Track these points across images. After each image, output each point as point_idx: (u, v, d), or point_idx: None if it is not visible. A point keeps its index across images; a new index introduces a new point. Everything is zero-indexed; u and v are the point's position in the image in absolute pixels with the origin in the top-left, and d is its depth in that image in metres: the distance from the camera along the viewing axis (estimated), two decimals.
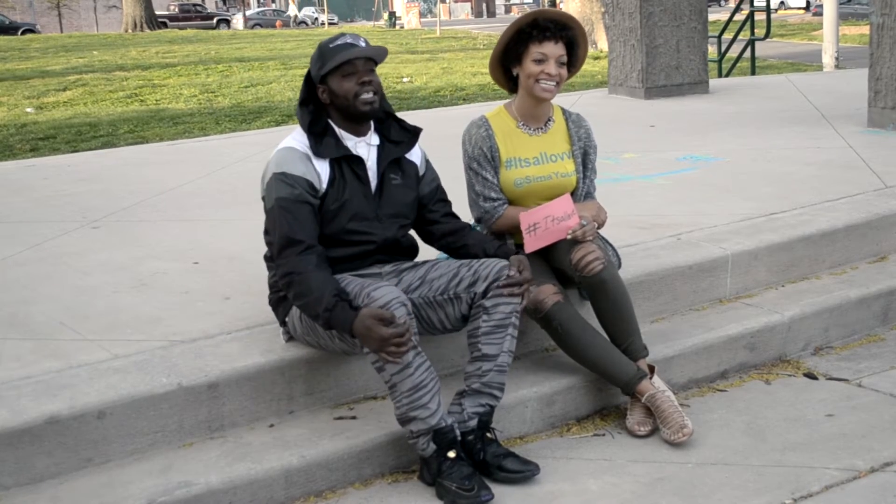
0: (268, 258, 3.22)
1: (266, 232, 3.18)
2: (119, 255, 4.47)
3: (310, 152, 3.07)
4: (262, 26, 48.61)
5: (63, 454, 2.80)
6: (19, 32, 41.17)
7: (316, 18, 59.10)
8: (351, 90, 3.06)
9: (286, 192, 3.00)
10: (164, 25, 44.26)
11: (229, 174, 6.48)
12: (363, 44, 3.10)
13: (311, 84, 3.16)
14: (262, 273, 3.37)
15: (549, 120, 3.58)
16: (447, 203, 3.38)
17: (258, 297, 3.62)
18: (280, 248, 2.97)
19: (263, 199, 3.11)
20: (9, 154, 9.80)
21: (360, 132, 3.17)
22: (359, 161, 3.14)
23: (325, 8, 52.76)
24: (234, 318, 3.49)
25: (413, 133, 3.29)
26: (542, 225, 3.30)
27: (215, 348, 3.20)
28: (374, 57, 3.12)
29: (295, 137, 3.13)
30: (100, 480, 2.78)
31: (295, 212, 2.98)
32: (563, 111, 3.65)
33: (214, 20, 49.70)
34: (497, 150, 3.49)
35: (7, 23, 45.98)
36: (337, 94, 3.08)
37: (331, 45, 3.09)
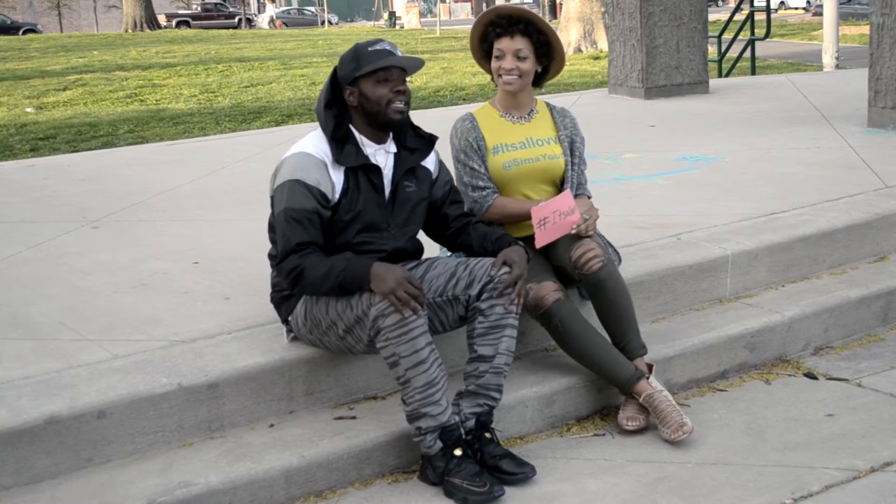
0: (272, 256, 3.21)
1: (271, 228, 3.17)
2: (119, 255, 4.47)
3: (327, 160, 3.05)
4: (287, 25, 48.80)
5: (63, 454, 2.80)
6: (20, 32, 41.25)
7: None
8: (384, 97, 3.05)
9: (298, 202, 2.97)
10: (188, 24, 44.67)
11: (229, 174, 6.48)
12: (398, 52, 3.11)
13: (335, 86, 3.13)
14: (262, 273, 3.37)
15: (532, 111, 3.66)
16: (460, 204, 3.36)
17: (258, 297, 3.62)
18: (284, 255, 2.97)
19: (272, 198, 3.09)
20: (9, 154, 9.80)
21: (381, 139, 3.15)
22: (376, 170, 3.12)
23: (325, 8, 52.74)
24: (234, 318, 3.49)
25: (429, 141, 3.27)
26: (552, 219, 3.33)
27: (215, 348, 3.20)
28: (410, 68, 3.12)
29: (313, 142, 3.09)
30: (100, 480, 2.78)
31: (303, 222, 2.97)
32: (547, 104, 3.73)
33: (236, 19, 50.10)
34: (482, 139, 3.55)
35: (8, 22, 46.11)
36: (369, 99, 3.05)
37: (369, 49, 3.06)
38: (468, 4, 67.24)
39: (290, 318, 3.18)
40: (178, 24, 45.11)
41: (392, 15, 45.73)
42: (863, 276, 4.33)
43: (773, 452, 3.15)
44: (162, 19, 45.99)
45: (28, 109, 13.77)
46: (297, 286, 2.99)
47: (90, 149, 9.44)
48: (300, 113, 12.57)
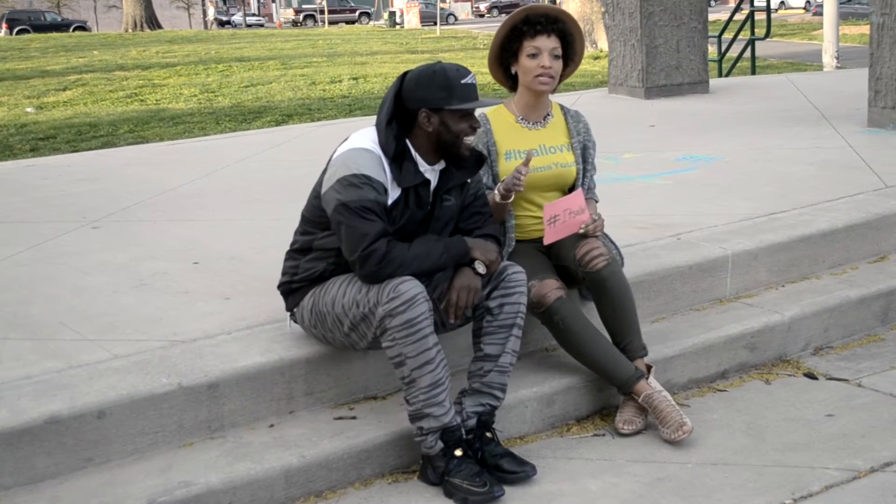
0: (295, 250, 3.15)
1: (307, 220, 3.11)
2: (119, 255, 4.46)
3: (386, 166, 2.98)
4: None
5: (63, 454, 2.80)
6: (70, 29, 41.85)
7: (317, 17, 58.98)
8: (463, 131, 3.00)
9: (373, 195, 2.91)
10: (313, 19, 45.67)
11: (229, 174, 6.48)
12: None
13: (399, 102, 3.02)
14: (262, 273, 3.37)
15: (548, 115, 3.62)
16: (480, 216, 3.23)
17: (258, 297, 3.62)
18: (373, 240, 2.87)
19: (329, 190, 2.97)
20: (9, 154, 9.81)
21: (434, 161, 3.08)
22: (426, 185, 3.07)
23: (325, 7, 52.70)
24: (234, 318, 3.49)
25: (478, 160, 3.19)
26: (562, 217, 3.34)
27: (215, 348, 3.20)
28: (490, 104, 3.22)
29: (369, 143, 3.00)
30: (100, 480, 2.78)
31: (379, 213, 2.91)
32: (562, 107, 3.69)
33: (357, 13, 51.85)
34: (494, 144, 3.51)
35: (59, 20, 46.59)
36: (450, 130, 2.99)
37: (462, 82, 2.98)
38: (468, 4, 67.24)
39: (295, 310, 3.17)
40: (306, 19, 45.88)
41: (392, 15, 45.68)
42: (863, 276, 4.33)
43: (773, 452, 3.15)
44: (290, 13, 46.88)
45: (28, 109, 13.77)
46: (389, 268, 2.87)
47: (90, 149, 9.44)
48: (300, 113, 12.57)
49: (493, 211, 3.39)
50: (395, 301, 2.81)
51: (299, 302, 3.15)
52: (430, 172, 3.09)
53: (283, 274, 3.22)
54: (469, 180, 3.21)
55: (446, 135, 3.00)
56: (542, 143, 3.57)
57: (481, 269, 3.03)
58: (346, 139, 3.08)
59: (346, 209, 2.90)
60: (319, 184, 3.08)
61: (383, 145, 2.99)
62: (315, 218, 3.09)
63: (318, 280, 3.11)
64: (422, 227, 3.08)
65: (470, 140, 3.05)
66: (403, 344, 2.82)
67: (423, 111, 2.99)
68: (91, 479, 2.79)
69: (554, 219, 3.34)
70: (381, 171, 2.97)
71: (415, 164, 3.03)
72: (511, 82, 3.59)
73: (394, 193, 3.00)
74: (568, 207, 3.36)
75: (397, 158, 3.00)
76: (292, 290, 3.18)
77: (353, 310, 2.94)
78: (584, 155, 3.63)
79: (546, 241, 3.38)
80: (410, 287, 2.82)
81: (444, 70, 3.00)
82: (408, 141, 3.05)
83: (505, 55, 3.53)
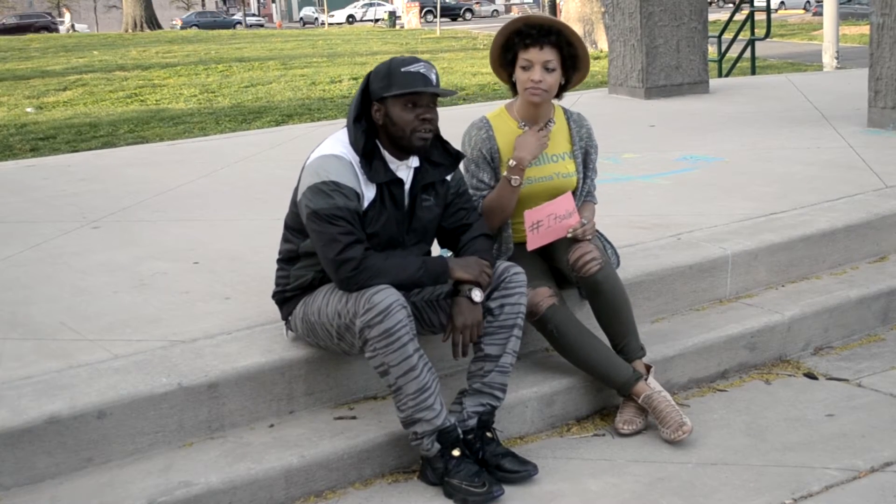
0: (283, 259, 3.16)
1: (289, 228, 3.12)
2: (119, 255, 4.47)
3: (356, 165, 2.97)
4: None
5: (63, 454, 2.80)
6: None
7: (316, 18, 59.03)
8: (409, 123, 2.94)
9: (343, 202, 2.89)
10: None
11: (229, 174, 6.48)
12: (434, 76, 2.97)
13: (366, 98, 3.02)
14: (262, 273, 3.37)
15: (550, 121, 3.56)
16: (465, 211, 3.22)
17: (258, 297, 3.62)
18: (342, 247, 2.86)
19: (301, 197, 2.97)
20: (9, 154, 9.81)
21: (403, 157, 3.05)
22: (399, 183, 3.05)
23: (325, 7, 52.72)
24: (234, 318, 3.49)
25: (455, 158, 3.16)
26: (546, 223, 3.32)
27: (215, 348, 3.20)
28: (441, 95, 2.99)
29: (340, 148, 2.99)
30: (100, 480, 2.78)
31: (350, 220, 2.90)
32: (565, 111, 3.64)
33: None
34: (497, 150, 3.48)
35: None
36: (394, 122, 2.95)
37: (402, 69, 2.92)
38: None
39: (290, 318, 3.18)
40: None
41: (392, 14, 45.70)
42: (863, 276, 4.33)
43: (773, 452, 3.15)
44: None
45: (28, 109, 13.78)
46: (364, 275, 2.86)
47: (90, 149, 9.44)
48: (300, 113, 12.57)
49: (500, 200, 3.39)
50: (370, 312, 2.79)
51: (292, 311, 3.15)
52: (404, 170, 3.06)
53: (276, 284, 3.22)
54: (448, 178, 3.18)
55: (393, 127, 2.96)
56: (544, 151, 3.52)
57: (477, 296, 2.99)
58: (318, 144, 3.07)
59: (317, 217, 2.90)
60: (296, 191, 3.08)
61: (353, 143, 2.98)
62: (296, 225, 3.09)
63: (309, 289, 3.11)
64: (402, 228, 3.06)
65: (423, 134, 2.96)
66: (384, 354, 2.81)
67: (374, 104, 2.99)
68: (91, 479, 2.79)
69: (537, 224, 3.31)
70: (351, 176, 2.95)
71: (384, 161, 3.01)
72: (514, 86, 3.55)
73: (369, 195, 2.98)
74: (553, 212, 3.32)
75: (368, 156, 2.99)
76: (286, 299, 3.18)
77: (335, 320, 2.94)
78: (586, 160, 3.61)
79: (529, 248, 3.35)
80: (385, 296, 2.80)
81: (391, 60, 2.99)
82: (377, 141, 3.03)
83: (504, 62, 3.49)
